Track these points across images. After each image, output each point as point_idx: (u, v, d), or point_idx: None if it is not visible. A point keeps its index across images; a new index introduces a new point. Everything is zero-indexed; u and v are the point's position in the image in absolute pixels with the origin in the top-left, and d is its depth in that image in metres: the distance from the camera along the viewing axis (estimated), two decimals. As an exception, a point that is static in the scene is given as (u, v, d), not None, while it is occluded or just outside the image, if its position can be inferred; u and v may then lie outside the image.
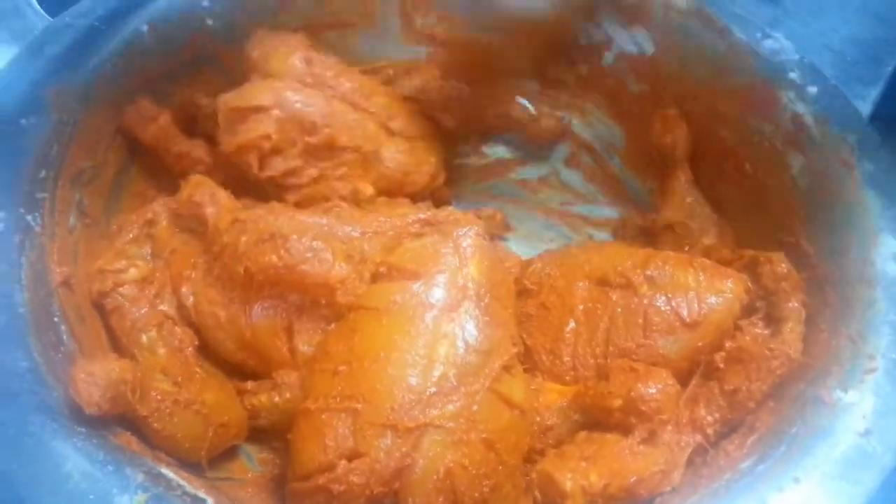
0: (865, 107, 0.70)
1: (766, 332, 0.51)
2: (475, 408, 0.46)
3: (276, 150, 0.60)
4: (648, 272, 0.54)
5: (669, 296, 0.53)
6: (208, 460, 0.49)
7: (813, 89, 0.60)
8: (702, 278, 0.53)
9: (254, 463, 0.54)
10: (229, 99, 0.60)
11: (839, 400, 0.44)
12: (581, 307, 0.56)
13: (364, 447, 0.45)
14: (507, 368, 0.49)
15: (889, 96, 0.69)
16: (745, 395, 0.49)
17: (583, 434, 0.50)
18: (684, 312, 0.52)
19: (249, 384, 0.54)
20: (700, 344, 0.52)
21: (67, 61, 0.56)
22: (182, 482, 0.41)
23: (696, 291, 0.53)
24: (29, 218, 0.50)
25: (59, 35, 0.57)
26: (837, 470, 0.41)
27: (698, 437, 0.48)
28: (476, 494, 0.45)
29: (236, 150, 0.60)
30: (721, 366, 0.50)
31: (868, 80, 0.70)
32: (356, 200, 0.59)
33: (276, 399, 0.52)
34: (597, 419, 0.50)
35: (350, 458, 0.45)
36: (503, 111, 0.73)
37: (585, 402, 0.50)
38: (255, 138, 0.59)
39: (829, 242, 0.55)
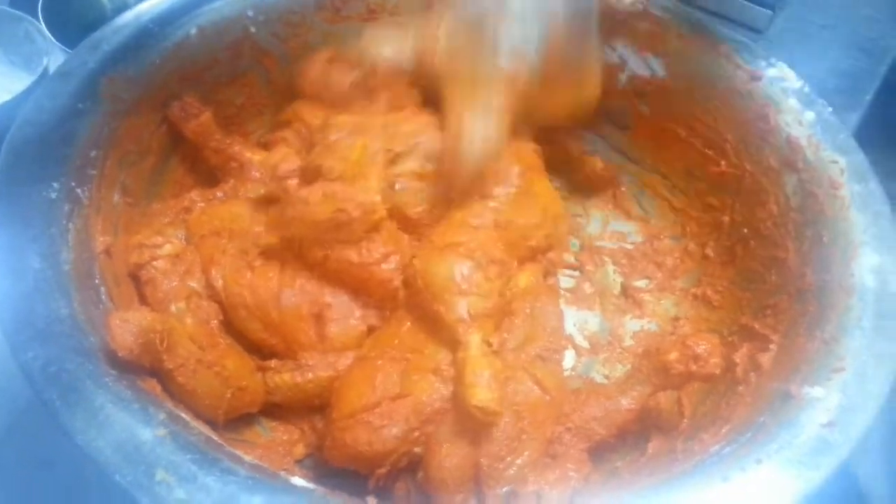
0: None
1: None
2: (509, 381, 0.52)
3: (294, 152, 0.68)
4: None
5: None
6: (224, 421, 0.53)
7: (810, 114, 0.64)
8: None
9: (266, 430, 0.58)
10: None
11: (806, 394, 0.47)
12: None
13: (409, 389, 0.51)
14: (541, 357, 0.55)
15: (867, 123, 0.72)
16: None
17: None
18: None
19: (273, 362, 0.58)
20: None
21: (121, 56, 0.62)
22: (197, 425, 0.45)
23: None
24: (79, 190, 0.55)
25: (115, 33, 0.63)
26: (798, 455, 0.44)
27: None
28: (496, 449, 0.49)
29: (263, 144, 0.73)
30: None
31: (848, 109, 0.74)
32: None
33: (299, 379, 0.56)
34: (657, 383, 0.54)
35: (395, 400, 0.51)
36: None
37: (642, 372, 0.54)
38: (276, 138, 0.70)
39: (815, 256, 0.58)
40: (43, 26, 0.83)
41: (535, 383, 0.52)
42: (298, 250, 0.58)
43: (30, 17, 0.85)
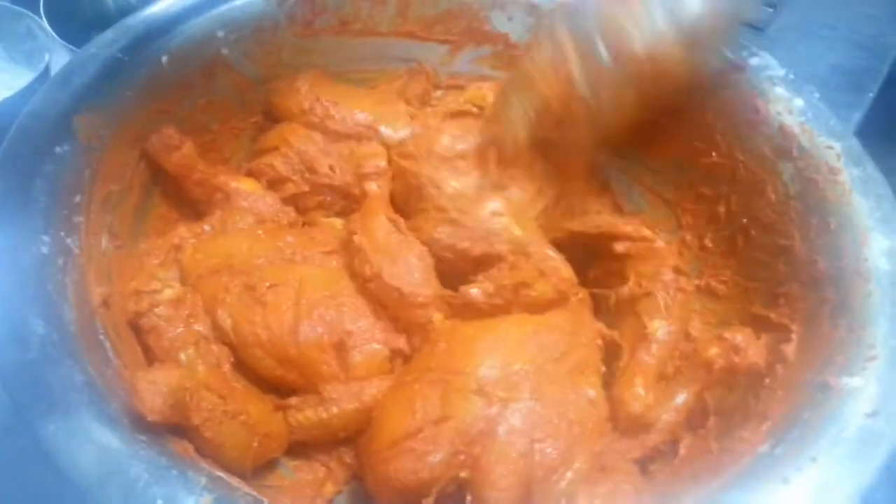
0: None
1: None
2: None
3: (283, 179, 0.68)
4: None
5: None
6: (252, 470, 0.50)
7: (799, 102, 0.65)
8: None
9: (289, 471, 0.56)
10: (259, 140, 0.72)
11: (845, 385, 0.48)
12: None
13: (450, 411, 0.49)
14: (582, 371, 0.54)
15: (870, 120, 0.74)
16: None
17: None
18: None
19: (293, 400, 0.55)
20: None
21: (93, 90, 0.58)
22: (238, 485, 0.43)
23: None
24: (69, 241, 0.51)
25: (84, 66, 0.59)
26: (849, 449, 0.44)
27: None
28: (550, 461, 0.48)
29: (248, 173, 0.69)
30: None
31: (850, 106, 0.75)
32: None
33: (323, 414, 0.54)
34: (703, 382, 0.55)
35: (437, 424, 0.49)
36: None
37: (685, 374, 0.55)
38: (262, 166, 0.68)
39: (824, 243, 0.58)
40: (45, 22, 0.83)
41: (582, 394, 0.52)
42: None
43: (31, 14, 0.84)
